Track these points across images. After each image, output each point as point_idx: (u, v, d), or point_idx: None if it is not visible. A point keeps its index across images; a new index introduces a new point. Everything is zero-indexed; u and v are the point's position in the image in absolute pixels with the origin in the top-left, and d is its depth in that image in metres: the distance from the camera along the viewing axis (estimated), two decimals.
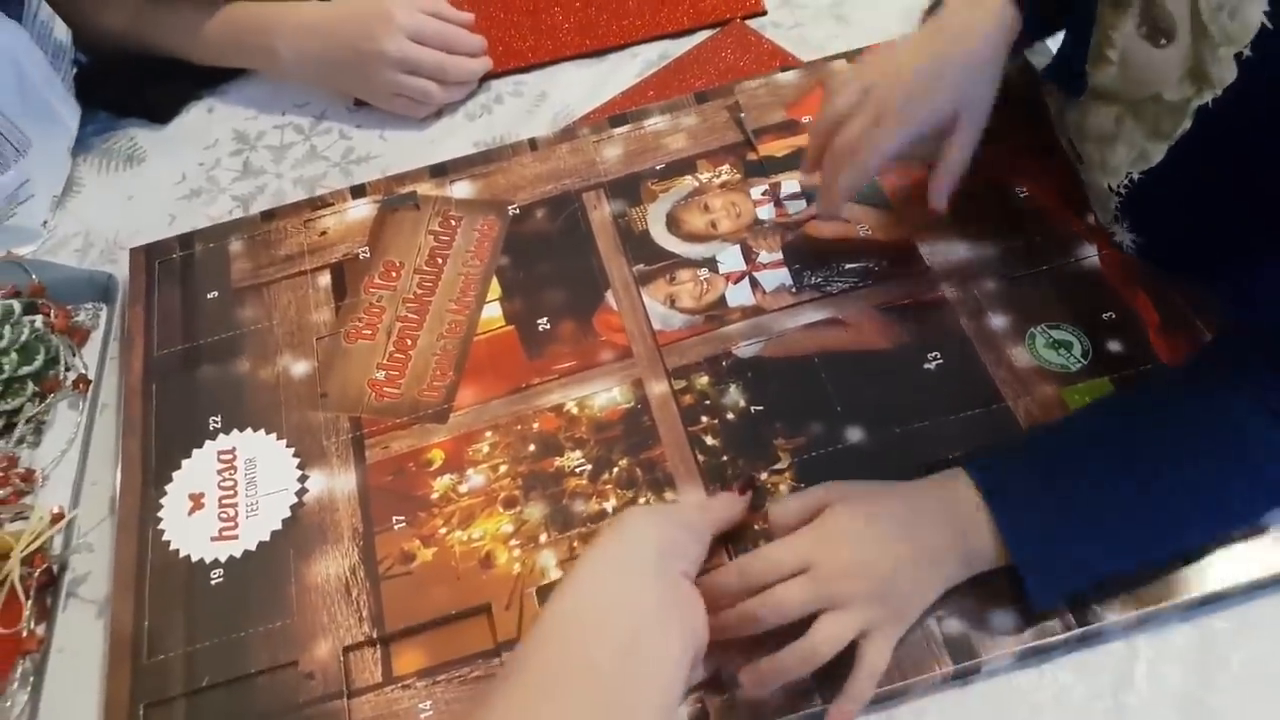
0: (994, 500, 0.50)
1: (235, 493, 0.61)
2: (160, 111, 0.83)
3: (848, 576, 0.49)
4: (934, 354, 0.62)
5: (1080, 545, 0.51)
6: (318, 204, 0.75)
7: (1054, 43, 0.71)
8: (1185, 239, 0.62)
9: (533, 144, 0.76)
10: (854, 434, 0.59)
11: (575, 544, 0.57)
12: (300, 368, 0.66)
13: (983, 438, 0.58)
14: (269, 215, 0.74)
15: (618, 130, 0.76)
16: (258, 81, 0.85)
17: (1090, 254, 0.65)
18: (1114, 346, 0.61)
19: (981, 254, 0.66)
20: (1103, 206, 0.65)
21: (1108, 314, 0.62)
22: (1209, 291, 0.63)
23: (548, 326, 0.67)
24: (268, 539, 0.59)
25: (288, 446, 0.63)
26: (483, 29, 0.83)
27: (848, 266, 0.67)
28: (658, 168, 0.74)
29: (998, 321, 0.63)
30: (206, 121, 0.84)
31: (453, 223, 0.73)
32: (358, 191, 0.75)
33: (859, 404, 0.60)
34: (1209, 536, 0.53)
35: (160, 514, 0.61)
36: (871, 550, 0.50)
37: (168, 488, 0.62)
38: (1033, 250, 0.65)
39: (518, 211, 0.73)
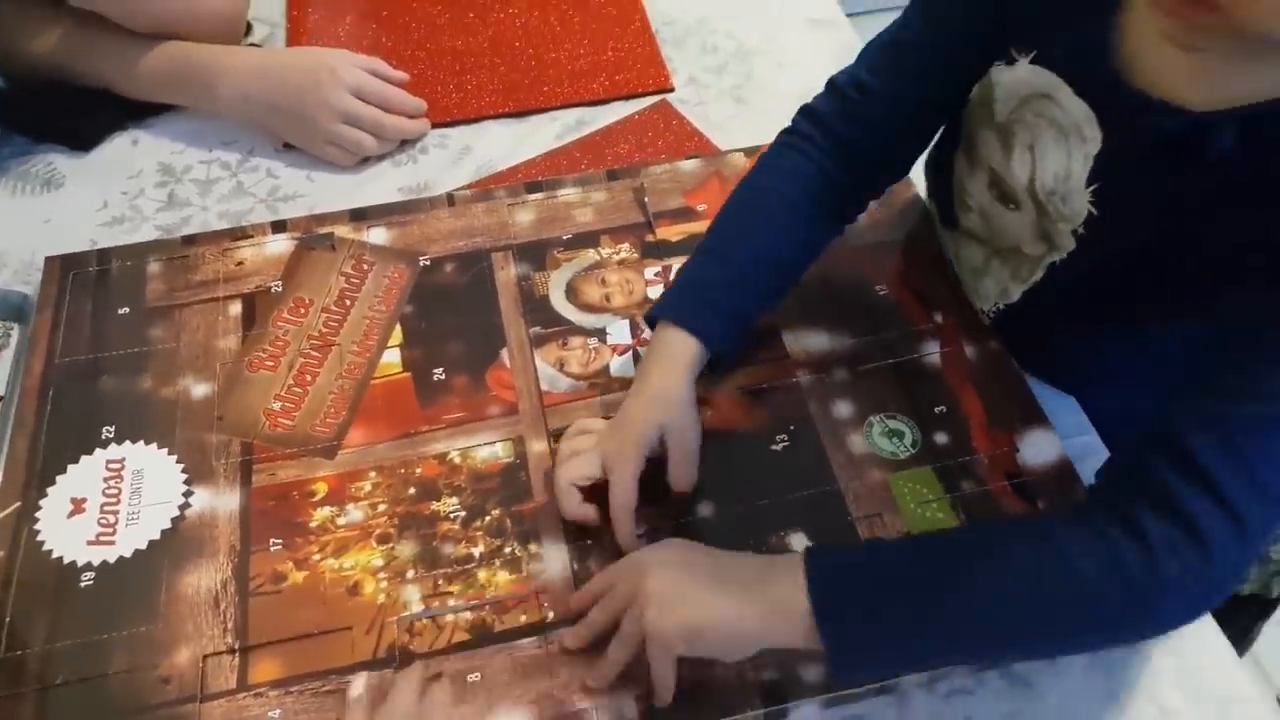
0: (816, 595, 0.51)
1: (118, 500, 0.64)
2: (82, 140, 0.86)
3: (667, 587, 0.54)
4: (782, 436, 0.68)
5: (895, 652, 0.53)
6: (238, 234, 0.79)
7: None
8: (1042, 362, 0.71)
9: (450, 199, 0.82)
10: (705, 508, 0.65)
11: (439, 582, 0.62)
12: (200, 390, 0.70)
13: (811, 518, 0.64)
14: (190, 240, 0.78)
15: (532, 196, 0.82)
16: (184, 117, 0.89)
17: (933, 351, 0.72)
18: (940, 438, 0.68)
19: (837, 345, 0.73)
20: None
21: (939, 408, 0.69)
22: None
23: (442, 377, 0.71)
24: (144, 547, 0.62)
25: (177, 462, 0.66)
26: (412, 85, 0.89)
27: None
28: (565, 237, 0.79)
29: (843, 408, 0.69)
30: (130, 153, 0.87)
31: (365, 267, 0.77)
32: (278, 227, 0.79)
33: (712, 480, 0.65)
34: (1030, 653, 0.56)
35: (38, 514, 0.64)
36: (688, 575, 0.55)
37: (50, 490, 0.65)
38: (883, 344, 0.73)
39: (428, 263, 0.78)
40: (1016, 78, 0.61)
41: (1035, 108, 0.60)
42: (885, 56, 0.68)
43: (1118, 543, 0.49)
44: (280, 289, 0.75)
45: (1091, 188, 0.59)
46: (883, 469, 0.67)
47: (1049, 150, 0.60)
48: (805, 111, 0.71)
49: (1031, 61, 0.60)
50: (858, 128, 0.68)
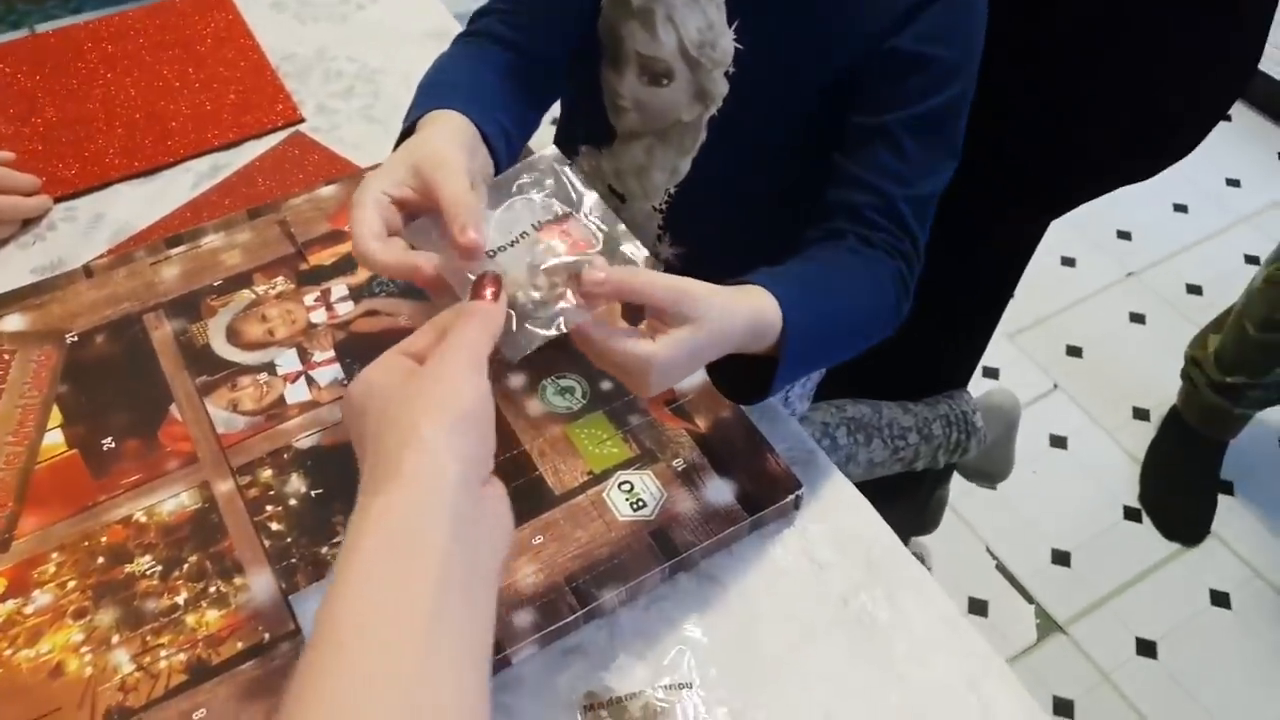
0: (786, 339, 0.60)
1: None
2: None
3: (670, 381, 0.57)
4: None
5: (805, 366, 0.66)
6: None
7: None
8: (719, 238, 0.80)
9: (88, 270, 0.80)
10: None
11: (147, 639, 0.62)
12: None
13: (506, 480, 0.69)
14: None
15: (175, 251, 0.82)
16: None
17: (588, 316, 0.80)
18: (605, 385, 0.75)
19: None
20: (642, 239, 0.82)
21: None
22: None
23: (113, 445, 0.71)
24: None
25: None
26: (22, 163, 0.86)
27: None
28: (216, 284, 0.80)
29: (515, 380, 0.75)
30: None
31: (6, 357, 0.75)
32: None
33: None
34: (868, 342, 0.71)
35: None
36: (696, 367, 0.58)
37: None
38: None
39: (76, 339, 0.76)
40: None
41: None
42: None
43: (900, 273, 0.71)
44: None
45: (734, 25, 0.71)
46: (560, 423, 0.73)
47: (686, 13, 0.72)
48: (465, 32, 0.77)
49: None
50: (518, 32, 0.75)
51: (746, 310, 0.59)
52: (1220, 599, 1.57)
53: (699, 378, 0.76)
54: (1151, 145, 0.92)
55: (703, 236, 0.83)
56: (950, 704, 0.63)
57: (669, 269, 0.84)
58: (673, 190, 0.80)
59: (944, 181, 0.73)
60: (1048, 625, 1.53)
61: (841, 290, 0.68)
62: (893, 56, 0.69)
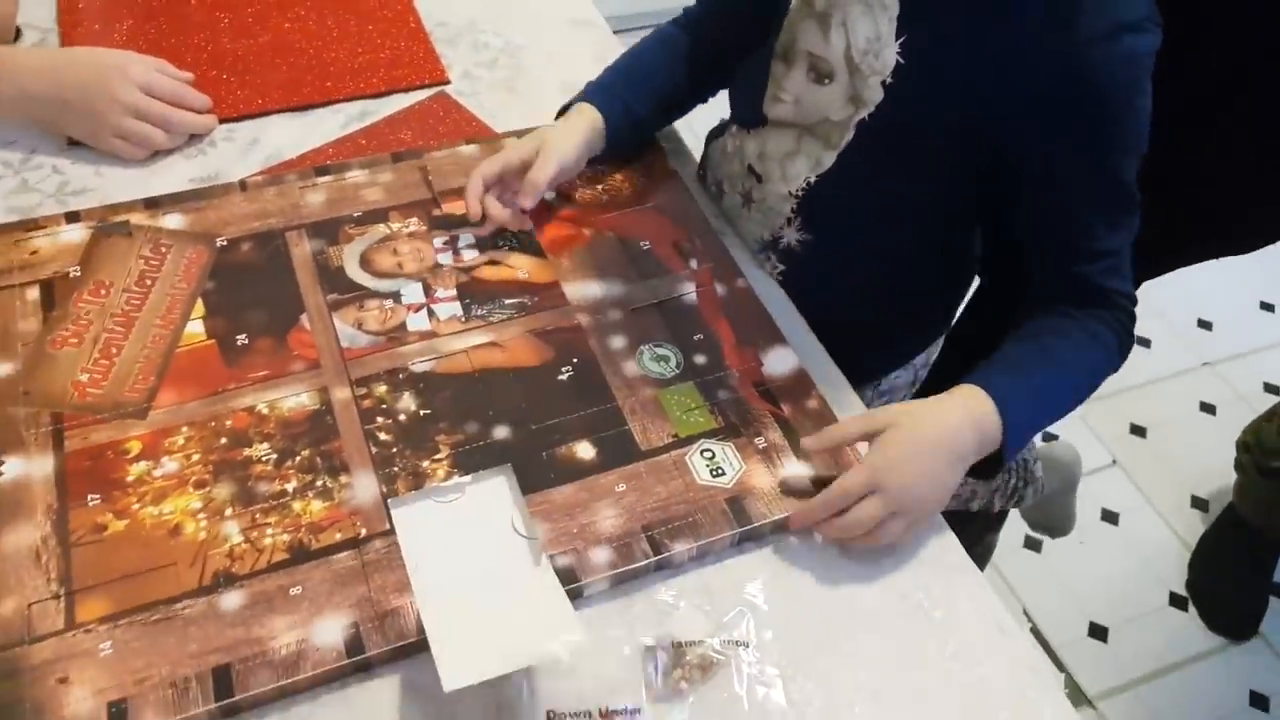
0: (1005, 408, 0.72)
1: None
2: None
3: (910, 489, 0.69)
4: (567, 368, 0.78)
5: (1035, 422, 0.78)
6: (30, 225, 0.81)
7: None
8: (847, 232, 0.86)
9: (243, 185, 0.87)
10: (501, 431, 0.73)
11: (256, 516, 0.67)
12: (2, 369, 0.72)
13: (597, 429, 0.74)
14: None
15: (321, 179, 0.89)
16: None
17: (690, 291, 0.84)
18: (699, 359, 0.80)
19: (610, 291, 0.83)
20: (769, 221, 0.89)
21: (697, 335, 0.81)
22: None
23: (246, 341, 0.77)
24: None
25: None
26: (197, 84, 0.93)
27: (507, 301, 0.82)
28: (355, 215, 0.86)
29: (617, 342, 0.80)
30: None
31: (163, 250, 0.81)
32: (72, 217, 0.82)
33: (506, 408, 0.75)
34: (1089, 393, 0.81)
35: None
36: (925, 464, 0.70)
37: None
38: (649, 288, 0.84)
39: (225, 244, 0.83)
40: None
41: None
42: None
43: (1118, 320, 0.79)
44: (79, 274, 0.79)
45: (900, 39, 0.75)
46: (653, 387, 0.77)
47: (859, 21, 0.76)
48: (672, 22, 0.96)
49: None
50: (697, 22, 0.94)
51: (957, 405, 0.72)
52: (1259, 701, 1.54)
53: (789, 364, 0.80)
54: (1259, 218, 0.95)
55: (831, 227, 0.86)
56: (995, 706, 0.65)
57: (790, 253, 0.88)
58: (813, 180, 0.84)
59: (1135, 231, 0.78)
60: (1076, 697, 1.52)
61: (1054, 359, 0.77)
62: (1052, 158, 0.75)
